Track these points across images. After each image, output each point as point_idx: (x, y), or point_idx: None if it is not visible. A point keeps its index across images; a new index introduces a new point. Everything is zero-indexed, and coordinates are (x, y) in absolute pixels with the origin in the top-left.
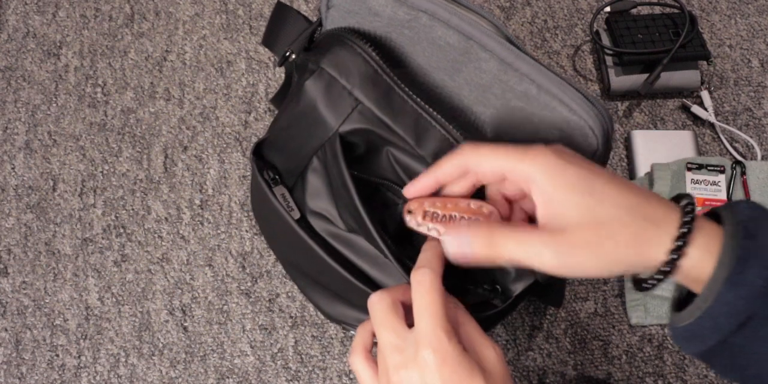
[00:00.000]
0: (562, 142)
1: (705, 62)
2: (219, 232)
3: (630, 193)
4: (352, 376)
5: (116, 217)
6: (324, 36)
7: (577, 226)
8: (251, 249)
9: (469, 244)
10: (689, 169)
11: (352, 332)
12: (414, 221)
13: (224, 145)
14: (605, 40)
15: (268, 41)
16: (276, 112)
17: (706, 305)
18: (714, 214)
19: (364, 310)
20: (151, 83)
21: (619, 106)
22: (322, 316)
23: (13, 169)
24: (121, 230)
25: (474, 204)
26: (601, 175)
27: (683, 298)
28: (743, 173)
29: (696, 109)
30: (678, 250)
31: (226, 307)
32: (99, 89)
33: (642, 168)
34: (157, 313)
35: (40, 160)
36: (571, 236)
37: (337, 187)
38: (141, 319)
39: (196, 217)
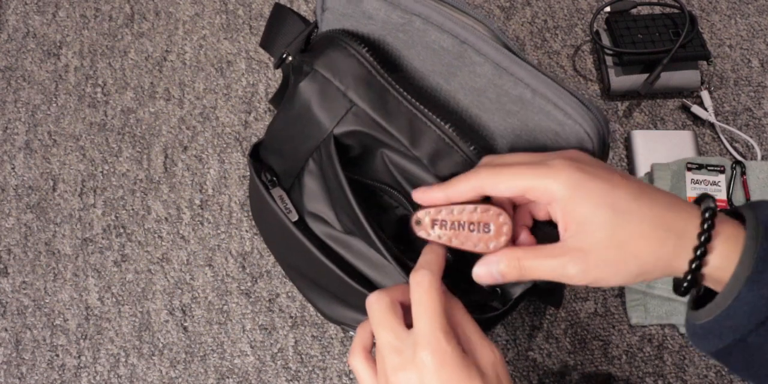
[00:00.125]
0: (558, 145)
1: (705, 62)
2: (219, 232)
3: (653, 203)
4: (352, 376)
5: (116, 217)
6: (319, 38)
7: (601, 245)
8: (251, 249)
9: (498, 273)
10: (689, 169)
11: (351, 333)
12: (423, 231)
13: (224, 145)
14: (605, 40)
15: (266, 43)
16: (276, 112)
17: (726, 303)
18: (737, 213)
19: (363, 311)
20: (151, 83)
21: (619, 106)
22: (321, 317)
23: (13, 169)
24: (121, 230)
25: (481, 208)
26: (622, 187)
27: (701, 296)
28: (743, 173)
29: (696, 109)
30: (699, 259)
31: (226, 307)
32: (99, 89)
33: (642, 168)
34: (157, 313)
35: (40, 160)
36: (596, 256)
37: (333, 189)
38: (141, 319)
39: (196, 217)
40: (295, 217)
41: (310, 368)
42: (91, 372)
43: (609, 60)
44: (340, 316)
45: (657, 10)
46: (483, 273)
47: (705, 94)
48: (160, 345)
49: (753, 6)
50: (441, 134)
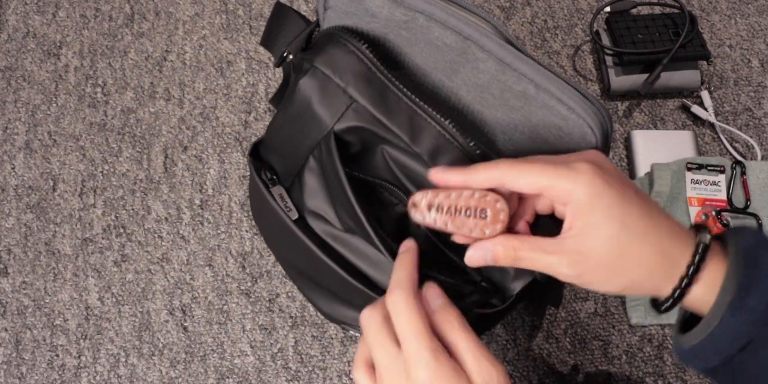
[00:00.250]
0: (561, 140)
1: (705, 62)
2: (219, 232)
3: (658, 227)
4: (352, 377)
5: (116, 217)
6: (319, 36)
7: (601, 254)
8: (251, 249)
9: (492, 258)
10: (689, 169)
11: (351, 332)
12: (419, 214)
13: (224, 145)
14: (605, 40)
15: (267, 42)
16: (276, 112)
17: (709, 329)
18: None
19: None
20: (151, 83)
21: (619, 106)
22: (322, 316)
23: (13, 169)
24: (121, 230)
25: (480, 193)
26: (634, 203)
27: (687, 320)
28: (743, 173)
29: (696, 109)
30: (682, 289)
31: (226, 307)
32: (99, 89)
33: (642, 168)
34: (157, 313)
35: (40, 160)
36: (593, 262)
37: (333, 186)
38: (141, 319)
39: (196, 217)
40: (295, 216)
41: (310, 368)
42: (91, 372)
43: (609, 60)
44: (341, 315)
45: (657, 10)
46: (477, 257)
47: (705, 94)
48: (160, 345)
49: (753, 6)
50: (441, 130)
